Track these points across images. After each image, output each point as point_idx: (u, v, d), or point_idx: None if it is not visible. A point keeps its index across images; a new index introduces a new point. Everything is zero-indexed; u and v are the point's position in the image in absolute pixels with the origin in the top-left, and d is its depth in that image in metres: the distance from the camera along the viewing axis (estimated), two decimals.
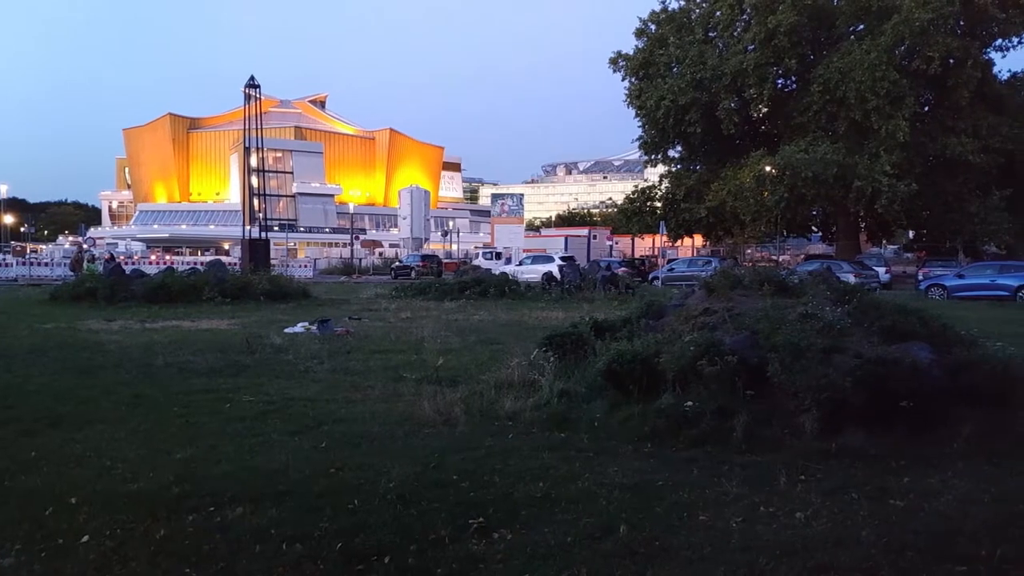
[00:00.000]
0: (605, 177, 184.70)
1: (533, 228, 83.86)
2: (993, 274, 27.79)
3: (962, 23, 38.43)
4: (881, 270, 35.31)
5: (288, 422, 7.44)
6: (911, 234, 52.15)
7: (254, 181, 48.04)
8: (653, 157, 47.17)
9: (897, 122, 35.74)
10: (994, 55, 40.81)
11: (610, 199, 68.88)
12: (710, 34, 44.07)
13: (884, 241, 53.58)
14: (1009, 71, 42.93)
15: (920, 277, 33.02)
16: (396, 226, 77.42)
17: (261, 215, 43.38)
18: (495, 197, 69.28)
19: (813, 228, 50.38)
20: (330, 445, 6.62)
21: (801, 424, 6.50)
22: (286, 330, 14.91)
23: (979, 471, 5.81)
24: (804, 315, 7.63)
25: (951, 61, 36.92)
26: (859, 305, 8.36)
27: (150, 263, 46.20)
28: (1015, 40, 39.75)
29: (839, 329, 7.49)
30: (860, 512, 4.98)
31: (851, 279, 21.43)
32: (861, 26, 39.55)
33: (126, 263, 38.66)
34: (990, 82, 39.56)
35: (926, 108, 41.75)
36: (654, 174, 52.29)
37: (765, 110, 43.02)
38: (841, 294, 8.85)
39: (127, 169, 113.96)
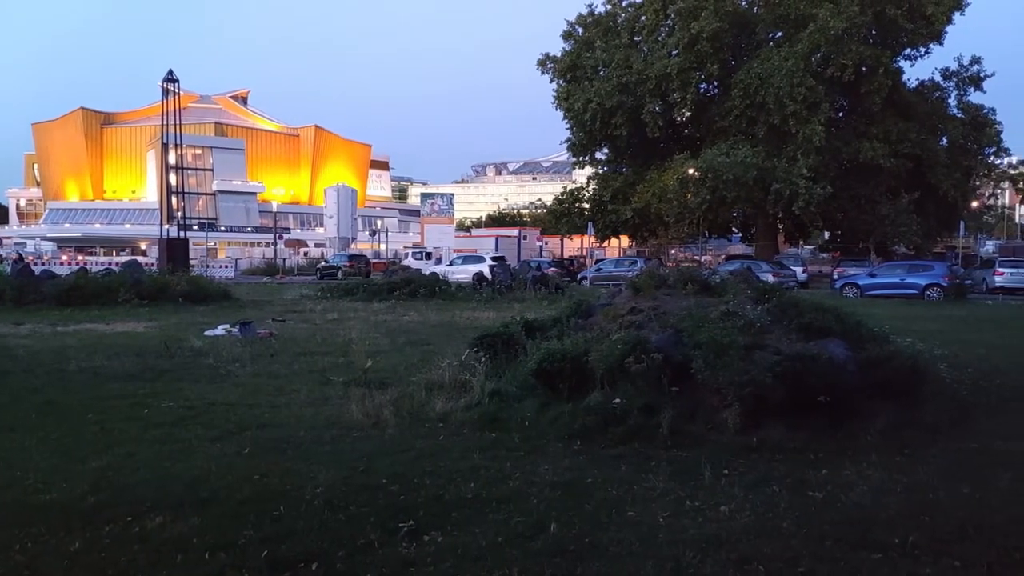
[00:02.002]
0: (534, 178, 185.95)
1: (464, 228, 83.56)
2: (903, 273, 29.20)
3: (874, 32, 40.08)
4: (798, 270, 36.52)
5: (209, 428, 7.23)
6: (826, 235, 54.14)
7: (172, 178, 46.66)
8: (581, 159, 47.67)
9: (813, 127, 37.05)
10: (903, 63, 42.78)
11: (539, 200, 69.19)
12: (635, 38, 44.77)
13: (801, 242, 55.43)
14: (917, 79, 44.97)
15: (835, 276, 34.25)
16: (322, 225, 76.10)
17: (179, 214, 42.23)
18: (425, 196, 68.80)
19: (734, 229, 51.75)
20: (254, 451, 6.46)
21: (724, 419, 6.69)
22: (206, 333, 14.48)
23: (891, 462, 6.08)
24: (726, 313, 7.85)
25: (864, 69, 38.51)
26: (778, 303, 8.65)
27: (61, 263, 44.25)
28: (922, 50, 41.75)
29: (759, 327, 7.73)
30: (781, 504, 5.15)
31: (770, 278, 22.15)
32: (780, 33, 40.88)
33: (35, 263, 37.03)
34: (900, 90, 41.39)
35: (840, 114, 43.46)
36: (582, 176, 52.89)
37: (688, 114, 44.00)
38: (761, 293, 9.14)
39: (36, 165, 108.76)
